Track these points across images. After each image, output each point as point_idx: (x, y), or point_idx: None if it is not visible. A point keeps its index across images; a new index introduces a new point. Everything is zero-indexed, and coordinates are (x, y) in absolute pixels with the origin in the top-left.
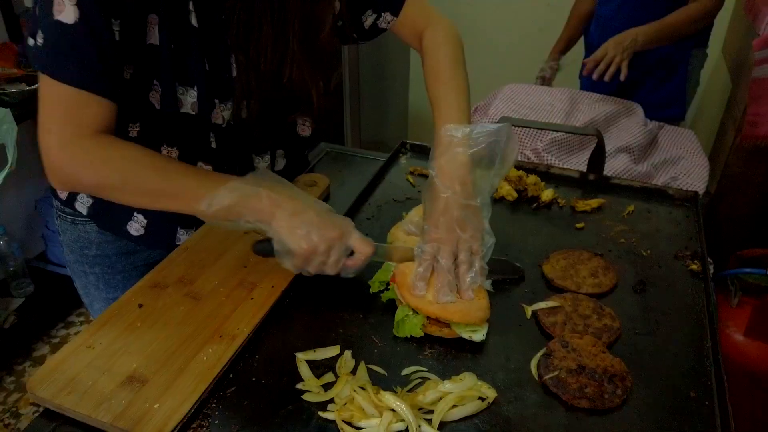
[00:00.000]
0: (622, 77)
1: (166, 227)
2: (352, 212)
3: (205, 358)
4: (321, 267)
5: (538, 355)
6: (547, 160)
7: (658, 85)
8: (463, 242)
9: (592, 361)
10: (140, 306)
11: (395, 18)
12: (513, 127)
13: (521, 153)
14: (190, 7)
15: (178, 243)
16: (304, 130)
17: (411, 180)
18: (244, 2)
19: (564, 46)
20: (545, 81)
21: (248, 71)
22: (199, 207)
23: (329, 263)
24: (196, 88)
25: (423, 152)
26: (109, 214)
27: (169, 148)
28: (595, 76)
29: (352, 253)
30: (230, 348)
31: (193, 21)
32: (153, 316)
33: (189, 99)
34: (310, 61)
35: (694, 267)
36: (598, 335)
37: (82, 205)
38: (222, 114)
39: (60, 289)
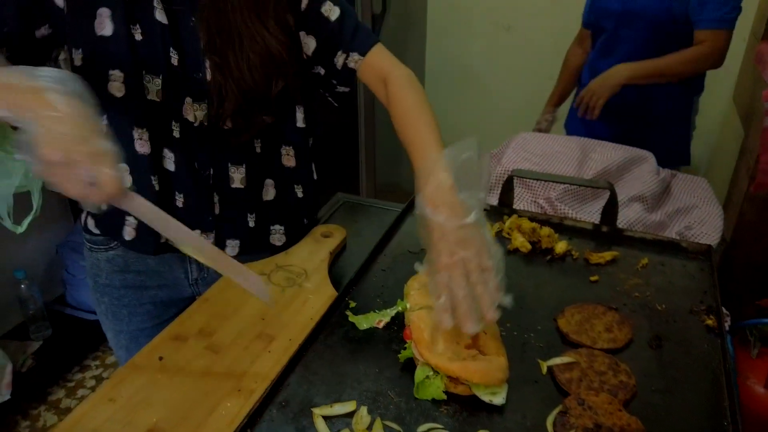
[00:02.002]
0: (593, 116)
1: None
2: (367, 263)
3: (223, 413)
4: (61, 181)
5: (554, 412)
6: (560, 209)
7: (662, 132)
8: (470, 261)
9: (609, 420)
10: (161, 359)
11: (362, 58)
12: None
13: (534, 202)
14: (155, 3)
15: (162, 240)
16: (289, 160)
17: None
18: (214, 11)
19: (558, 99)
20: (542, 133)
21: (222, 75)
22: None
23: (70, 181)
24: (161, 77)
25: None
26: (107, 221)
27: (140, 130)
28: (579, 113)
29: None
30: (248, 402)
31: (159, 16)
32: (173, 369)
33: (154, 87)
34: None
35: (709, 322)
36: (614, 392)
37: (91, 221)
38: (195, 112)
39: (77, 332)
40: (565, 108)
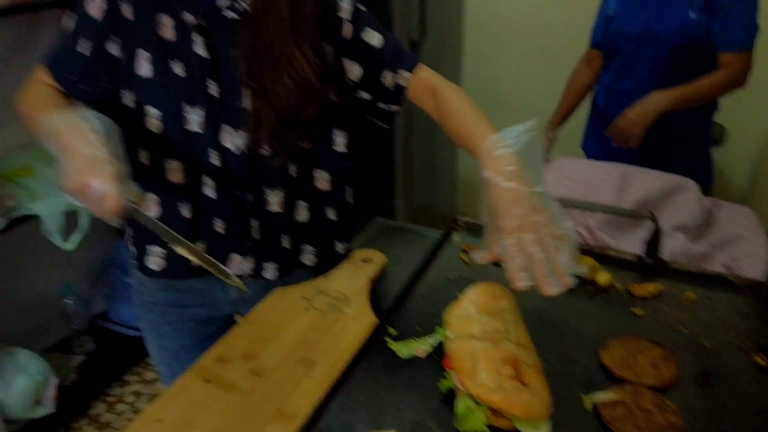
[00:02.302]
0: (631, 146)
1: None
2: (407, 291)
3: None
4: (81, 201)
5: None
6: (600, 238)
7: (683, 153)
8: (543, 227)
9: None
10: (206, 381)
11: (411, 74)
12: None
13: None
14: (194, 37)
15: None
16: (323, 184)
17: (464, 258)
18: (254, 41)
19: (561, 118)
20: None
21: (259, 101)
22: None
23: (86, 202)
24: (203, 109)
25: (476, 231)
26: (134, 251)
27: (177, 160)
28: (615, 142)
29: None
30: (291, 427)
31: (198, 50)
32: (218, 392)
33: (194, 118)
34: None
35: (759, 360)
36: None
37: (132, 248)
38: (233, 140)
39: (119, 347)
40: (566, 127)
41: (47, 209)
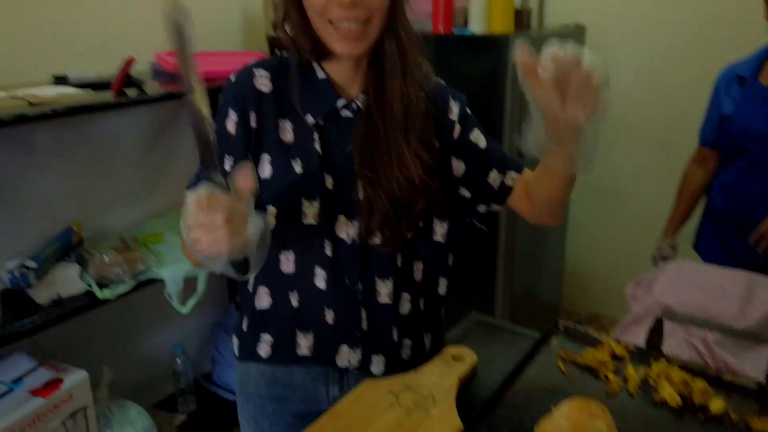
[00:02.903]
0: None
1: (288, 339)
2: (497, 396)
3: None
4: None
5: None
6: (719, 355)
7: None
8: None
9: None
10: None
11: (519, 175)
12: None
13: (688, 342)
14: (315, 136)
15: (298, 352)
16: (418, 274)
17: (562, 367)
18: (368, 137)
19: (679, 223)
20: (667, 261)
21: (372, 189)
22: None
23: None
24: (318, 201)
25: (577, 336)
26: (242, 339)
27: (290, 251)
28: (761, 249)
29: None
30: None
31: (317, 147)
32: None
33: (311, 211)
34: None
35: None
36: None
37: (236, 339)
38: (347, 230)
39: (219, 411)
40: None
41: (170, 274)
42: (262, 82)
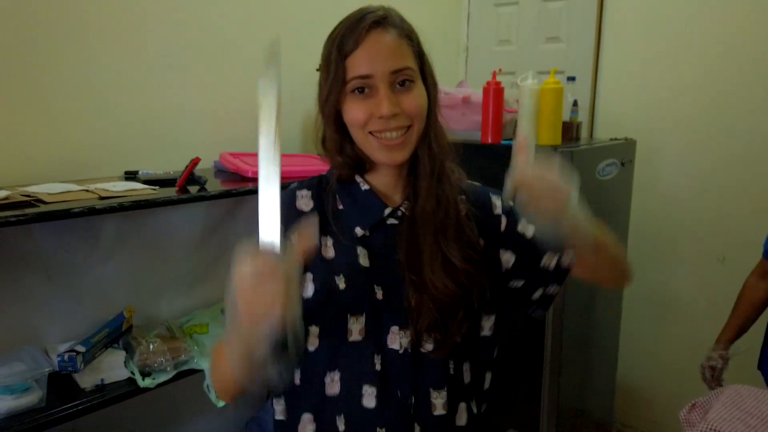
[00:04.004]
0: None
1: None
2: None
3: None
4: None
5: None
6: None
7: None
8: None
9: None
10: None
11: (559, 287)
12: None
13: None
14: (358, 251)
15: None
16: (466, 375)
17: None
18: (412, 241)
19: (734, 336)
20: (714, 372)
21: (418, 293)
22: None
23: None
24: (364, 315)
25: None
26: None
27: (334, 372)
28: None
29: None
30: None
31: (362, 262)
32: None
33: (356, 327)
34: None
35: None
36: None
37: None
38: (400, 340)
39: None
40: (740, 344)
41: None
42: (304, 202)
